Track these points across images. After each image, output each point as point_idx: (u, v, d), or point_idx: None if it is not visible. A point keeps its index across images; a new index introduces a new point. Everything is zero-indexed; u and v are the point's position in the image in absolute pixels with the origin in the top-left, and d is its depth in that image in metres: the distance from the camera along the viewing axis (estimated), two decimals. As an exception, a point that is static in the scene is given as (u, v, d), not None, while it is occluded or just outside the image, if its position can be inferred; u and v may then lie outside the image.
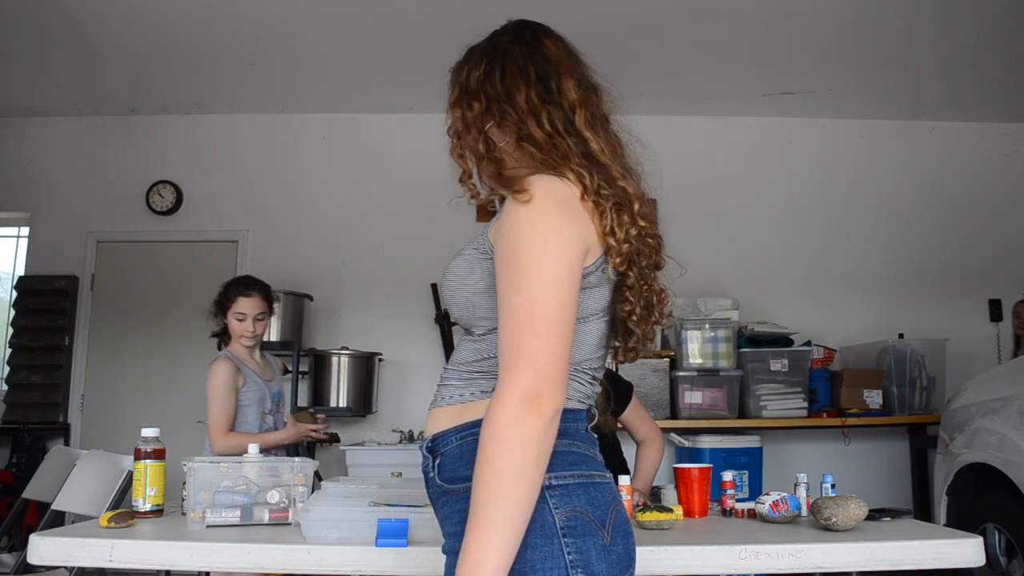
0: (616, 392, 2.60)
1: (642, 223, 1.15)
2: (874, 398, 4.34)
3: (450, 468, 1.07)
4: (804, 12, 3.81)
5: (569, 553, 0.99)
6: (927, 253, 4.95)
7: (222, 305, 2.76)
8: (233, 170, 5.04)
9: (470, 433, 1.05)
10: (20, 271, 5.06)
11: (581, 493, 1.04)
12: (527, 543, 0.97)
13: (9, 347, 4.87)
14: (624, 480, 2.04)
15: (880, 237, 4.97)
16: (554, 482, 1.02)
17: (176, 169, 5.03)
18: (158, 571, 2.23)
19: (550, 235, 1.02)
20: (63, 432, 4.75)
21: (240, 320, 2.71)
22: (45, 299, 4.86)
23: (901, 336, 4.50)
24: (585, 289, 1.06)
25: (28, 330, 4.85)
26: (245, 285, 2.77)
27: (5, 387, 4.85)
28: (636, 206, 1.15)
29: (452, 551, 1.05)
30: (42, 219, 5.05)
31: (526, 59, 1.16)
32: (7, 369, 4.86)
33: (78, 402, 4.84)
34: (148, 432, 1.96)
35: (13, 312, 4.88)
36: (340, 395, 4.36)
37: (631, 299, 1.12)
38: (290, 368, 4.47)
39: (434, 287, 4.67)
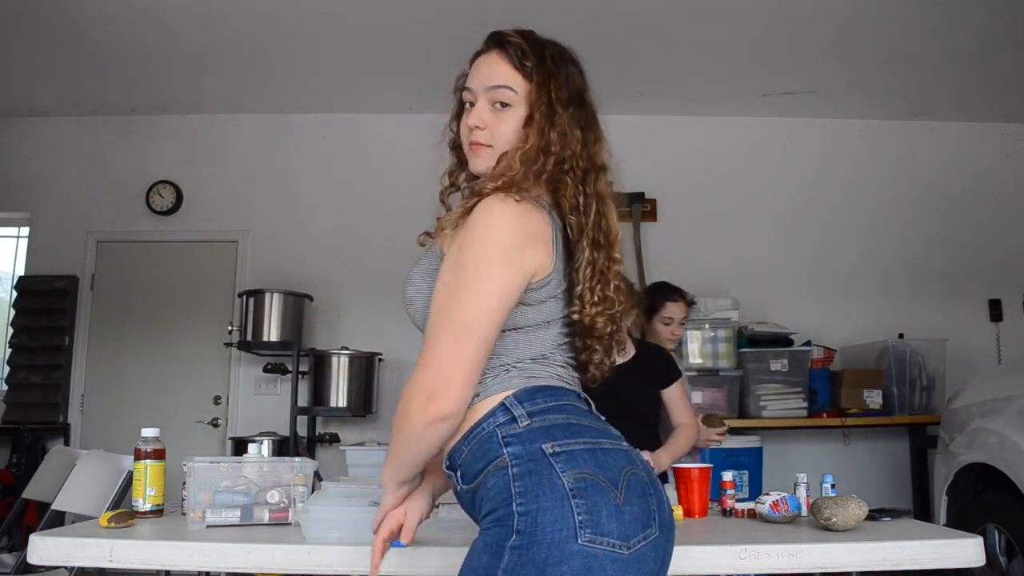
0: (653, 361, 2.67)
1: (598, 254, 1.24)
2: (874, 398, 4.34)
3: (467, 472, 1.16)
4: (804, 12, 3.81)
5: (579, 514, 1.02)
6: (927, 253, 4.95)
7: (648, 309, 2.94)
8: (233, 170, 5.04)
9: (473, 437, 1.15)
10: (20, 271, 5.06)
11: (588, 457, 1.09)
12: (539, 507, 1.03)
13: (9, 347, 4.87)
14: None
15: (880, 237, 4.97)
16: (557, 449, 1.08)
17: (176, 169, 5.03)
18: (158, 571, 2.23)
19: (501, 256, 1.12)
20: (63, 432, 4.75)
21: (667, 324, 2.92)
22: (45, 299, 4.86)
23: (901, 336, 4.50)
24: (538, 304, 1.18)
25: (28, 330, 4.85)
26: (671, 291, 2.98)
27: (5, 387, 4.85)
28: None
29: (484, 532, 1.12)
30: (42, 219, 5.05)
31: (591, 111, 1.36)
32: (7, 369, 4.86)
33: (78, 402, 4.84)
34: (148, 432, 1.96)
35: (13, 312, 4.88)
36: (340, 395, 4.36)
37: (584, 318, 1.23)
38: (290, 368, 4.48)
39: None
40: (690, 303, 3.05)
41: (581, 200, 1.22)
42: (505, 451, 1.10)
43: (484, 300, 1.10)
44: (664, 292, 3.00)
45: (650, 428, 2.68)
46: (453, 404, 1.09)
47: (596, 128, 1.34)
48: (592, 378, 1.27)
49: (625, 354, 2.64)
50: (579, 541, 1.01)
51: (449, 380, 1.09)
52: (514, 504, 1.05)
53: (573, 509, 1.03)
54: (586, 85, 1.35)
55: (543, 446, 1.09)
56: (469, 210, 1.16)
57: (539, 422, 1.12)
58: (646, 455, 2.44)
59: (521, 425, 1.12)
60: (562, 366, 1.23)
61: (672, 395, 2.68)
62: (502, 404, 1.14)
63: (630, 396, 2.47)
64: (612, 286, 1.23)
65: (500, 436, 1.12)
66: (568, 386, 1.21)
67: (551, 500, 1.03)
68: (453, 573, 1.56)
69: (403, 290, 1.25)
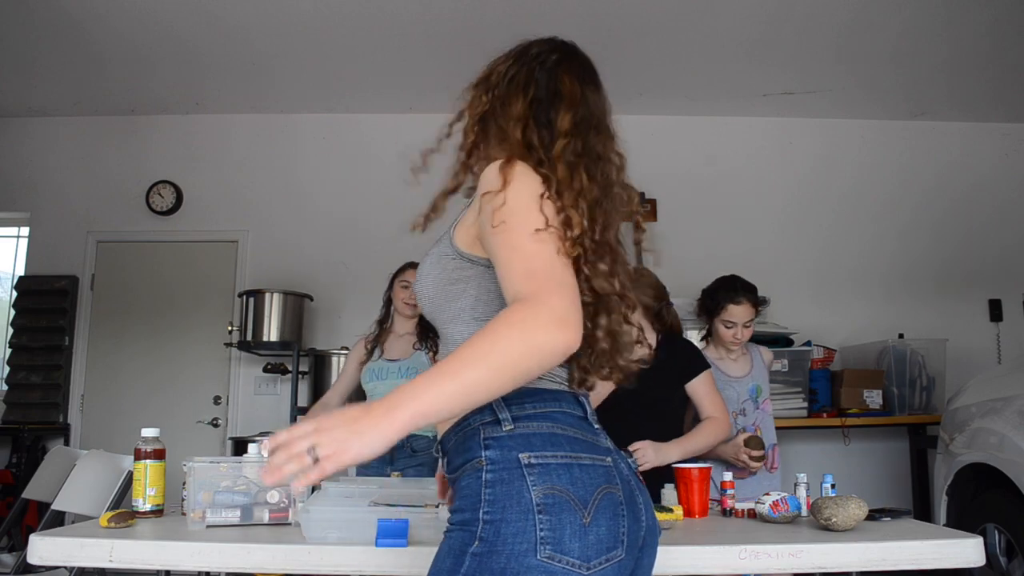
0: (675, 355, 2.55)
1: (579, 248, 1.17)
2: (874, 398, 4.34)
3: (451, 461, 1.15)
4: (804, 12, 3.81)
5: (541, 530, 1.02)
6: (927, 253, 4.95)
7: (709, 310, 2.79)
8: (233, 170, 5.04)
9: (461, 428, 1.13)
10: (20, 271, 5.06)
11: (563, 473, 1.06)
12: (504, 518, 1.02)
13: (9, 347, 4.87)
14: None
15: (880, 237, 4.97)
16: (533, 461, 1.06)
17: (176, 169, 5.03)
18: (158, 571, 2.23)
19: (539, 202, 1.10)
20: (63, 432, 4.75)
21: (728, 327, 2.70)
22: (45, 299, 4.86)
23: (901, 336, 4.50)
24: None
25: (28, 330, 4.85)
26: (735, 291, 2.72)
27: (5, 387, 4.85)
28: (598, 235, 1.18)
29: (449, 527, 1.10)
30: (42, 219, 5.05)
31: (536, 80, 1.26)
32: (7, 369, 4.86)
33: (78, 402, 4.84)
34: (148, 432, 1.96)
35: (13, 312, 4.89)
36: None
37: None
38: (290, 368, 4.48)
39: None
40: (758, 303, 2.79)
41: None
42: (483, 453, 1.08)
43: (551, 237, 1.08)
44: (726, 292, 2.74)
45: (677, 426, 2.53)
46: (578, 341, 1.01)
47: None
48: (619, 380, 1.23)
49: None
50: (538, 556, 1.01)
51: (578, 310, 1.03)
52: (481, 511, 1.04)
53: (536, 524, 1.02)
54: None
55: (520, 455, 1.07)
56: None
57: (522, 428, 1.09)
58: (643, 445, 2.36)
59: (503, 429, 1.09)
60: (562, 364, 1.16)
61: (698, 388, 2.52)
62: (489, 405, 1.10)
63: (654, 395, 2.42)
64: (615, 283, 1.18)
65: (482, 436, 1.10)
66: (564, 387, 1.18)
67: (516, 512, 1.03)
68: (453, 573, 1.57)
69: (416, 282, 1.25)
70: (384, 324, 3.13)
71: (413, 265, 3.07)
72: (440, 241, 1.23)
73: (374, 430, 0.94)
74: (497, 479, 1.05)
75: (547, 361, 1.00)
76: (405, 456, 2.87)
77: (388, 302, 3.16)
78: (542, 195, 1.10)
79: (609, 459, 1.13)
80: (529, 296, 1.00)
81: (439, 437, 1.19)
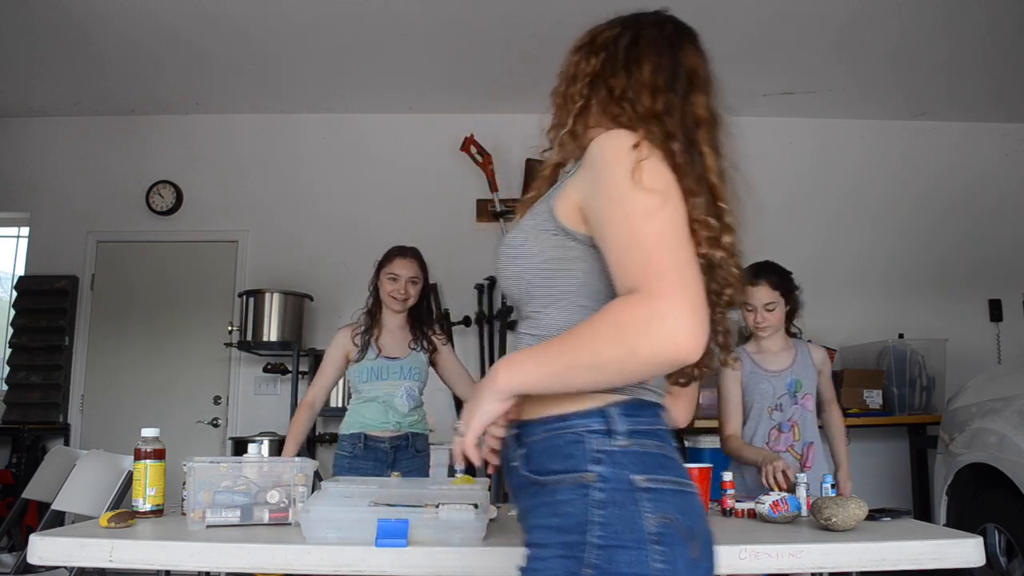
0: None
1: (719, 253, 1.09)
2: (874, 398, 4.34)
3: (537, 460, 1.03)
4: (804, 12, 3.81)
5: (656, 562, 0.94)
6: (927, 253, 4.95)
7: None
8: (233, 170, 5.04)
9: (555, 428, 1.02)
10: (20, 271, 5.06)
11: (675, 500, 0.98)
12: (620, 544, 0.94)
13: (9, 347, 4.87)
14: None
15: (880, 237, 4.97)
16: (649, 484, 0.97)
17: (176, 169, 5.03)
18: (158, 571, 2.23)
19: (668, 178, 0.99)
20: (63, 432, 4.75)
21: (749, 311, 2.65)
22: (45, 299, 4.86)
23: (901, 336, 4.50)
24: None
25: (28, 330, 4.85)
26: (752, 272, 2.61)
27: (5, 387, 4.85)
28: (726, 238, 1.10)
29: (536, 543, 1.01)
30: (42, 219, 5.05)
31: (661, 46, 1.15)
32: (7, 369, 4.86)
33: (78, 402, 4.84)
34: (148, 432, 1.96)
35: (13, 312, 4.89)
36: (341, 396, 4.37)
37: None
38: (290, 368, 4.48)
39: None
40: (783, 287, 2.67)
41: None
42: (592, 468, 0.97)
43: (679, 221, 0.97)
44: (744, 274, 2.74)
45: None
46: (700, 352, 0.91)
47: None
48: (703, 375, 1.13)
49: None
50: None
51: (705, 315, 0.92)
52: (590, 534, 0.95)
53: (651, 555, 0.94)
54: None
55: (634, 477, 0.97)
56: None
57: (636, 446, 0.99)
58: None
59: (616, 443, 0.99)
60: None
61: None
62: (602, 410, 1.00)
63: None
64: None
65: (590, 447, 0.99)
66: (663, 400, 1.07)
67: (631, 540, 0.94)
68: (453, 573, 1.57)
69: (501, 258, 1.11)
70: (376, 316, 2.87)
71: (403, 253, 2.88)
72: (535, 213, 1.10)
73: (483, 400, 1.01)
74: (610, 500, 0.96)
75: (660, 371, 0.93)
76: (408, 456, 2.79)
77: (375, 291, 2.90)
78: (665, 170, 0.99)
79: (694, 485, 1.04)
80: (649, 292, 0.90)
81: (517, 422, 1.07)
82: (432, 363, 2.88)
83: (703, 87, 1.14)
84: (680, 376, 1.10)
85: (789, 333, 2.77)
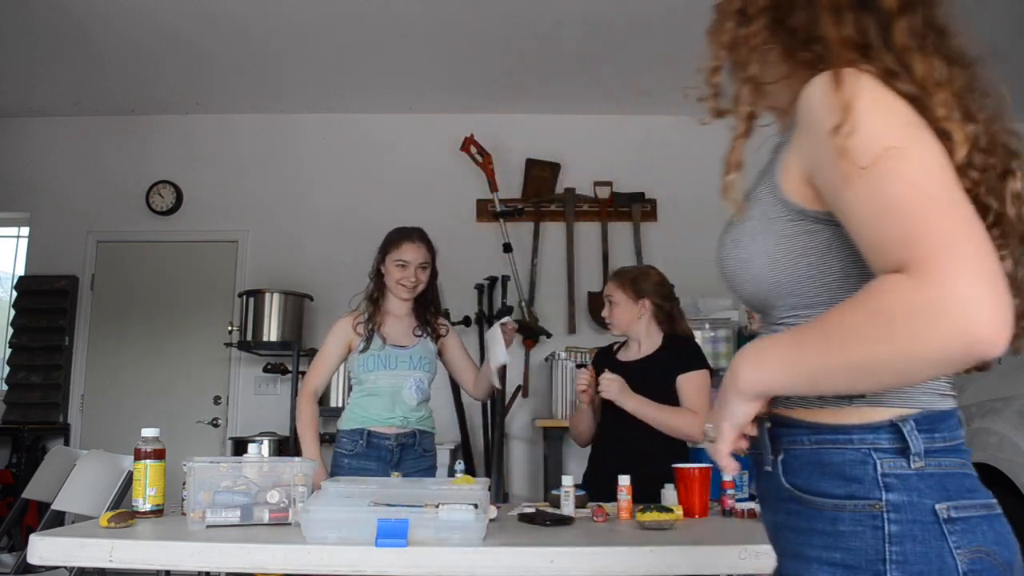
0: (677, 352, 2.52)
1: (974, 174, 0.82)
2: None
3: (804, 475, 0.87)
4: (804, 12, 3.81)
5: None
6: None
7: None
8: (233, 170, 5.04)
9: (830, 440, 0.85)
10: (20, 271, 5.06)
11: (986, 529, 0.82)
12: None
13: (9, 347, 4.87)
14: (624, 480, 2.04)
15: (880, 237, 4.96)
16: (954, 514, 0.81)
17: (176, 169, 5.03)
18: (158, 571, 2.23)
19: (905, 113, 0.77)
20: (63, 432, 4.75)
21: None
22: (45, 299, 4.86)
23: (901, 336, 4.49)
24: None
25: (28, 330, 4.85)
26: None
27: (5, 387, 4.85)
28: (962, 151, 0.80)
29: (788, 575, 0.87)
30: (42, 219, 5.05)
31: None
32: (7, 369, 4.86)
33: (78, 402, 4.84)
34: (148, 432, 1.96)
35: (13, 312, 4.88)
36: (340, 395, 4.37)
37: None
38: (290, 368, 4.48)
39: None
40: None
41: None
42: (883, 496, 0.81)
43: (940, 168, 0.73)
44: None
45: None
46: (1008, 338, 0.70)
47: None
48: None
49: (644, 347, 2.57)
50: None
51: (1004, 288, 0.69)
52: (888, 574, 0.80)
53: None
54: None
55: (937, 506, 0.80)
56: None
57: (934, 467, 0.82)
58: (614, 378, 2.39)
59: (912, 465, 0.82)
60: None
61: (686, 383, 2.47)
62: (893, 424, 0.83)
63: (656, 392, 2.43)
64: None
65: (879, 469, 0.82)
66: (957, 403, 0.88)
67: None
68: (453, 573, 1.57)
69: (729, 263, 0.94)
70: (377, 302, 2.66)
71: (410, 236, 2.66)
72: (756, 200, 0.92)
73: (729, 401, 0.86)
74: (906, 534, 0.80)
75: (951, 370, 0.75)
76: (415, 456, 2.57)
77: (379, 276, 2.70)
78: (898, 103, 0.78)
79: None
80: (921, 269, 0.69)
81: (777, 419, 0.90)
82: (438, 351, 2.70)
83: None
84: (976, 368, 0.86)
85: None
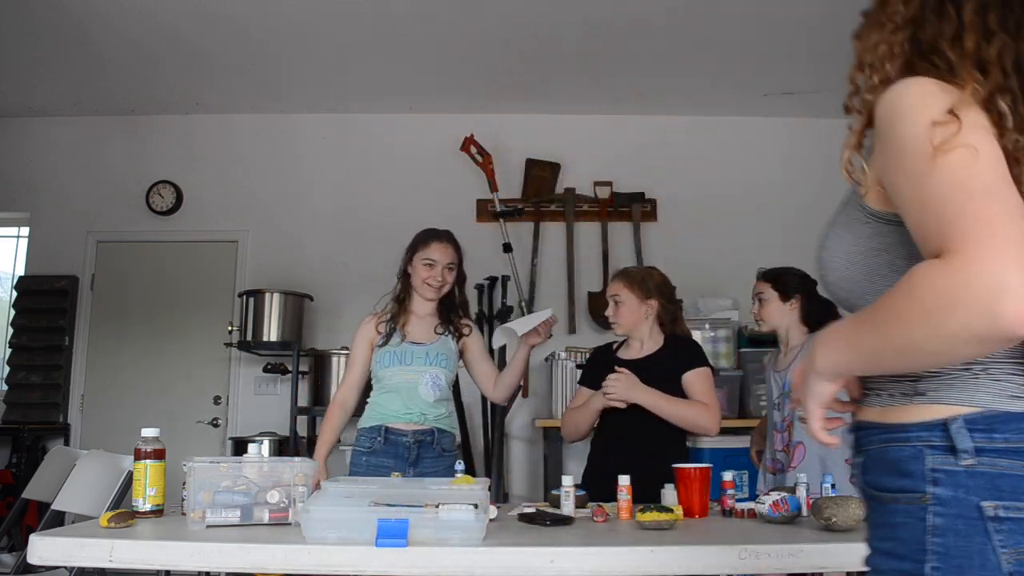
0: (678, 351, 2.54)
1: None
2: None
3: (873, 472, 0.93)
4: (804, 12, 3.81)
5: None
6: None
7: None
8: (233, 170, 5.04)
9: (895, 438, 0.90)
10: (20, 271, 5.06)
11: None
12: None
13: (9, 347, 4.87)
14: (624, 480, 2.04)
15: (880, 237, 4.96)
16: (1003, 514, 0.82)
17: (176, 169, 5.03)
18: (158, 571, 2.23)
19: (976, 120, 0.81)
20: (63, 432, 4.75)
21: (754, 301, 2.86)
22: (45, 299, 4.86)
23: (901, 336, 4.49)
24: None
25: (28, 330, 4.85)
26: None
27: (5, 387, 4.85)
28: None
29: (872, 568, 0.92)
30: (42, 219, 5.05)
31: None
32: (7, 369, 4.86)
33: (78, 402, 4.84)
34: (148, 432, 1.96)
35: (13, 312, 4.88)
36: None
37: None
38: (290, 368, 4.48)
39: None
40: (774, 279, 2.82)
41: None
42: (931, 490, 0.84)
43: (986, 155, 0.77)
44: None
45: (677, 429, 2.50)
46: None
47: None
48: None
49: (646, 347, 2.58)
50: None
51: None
52: (928, 564, 0.83)
53: None
54: None
55: (983, 503, 0.82)
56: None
57: (987, 466, 0.83)
58: (622, 374, 2.42)
59: (961, 463, 0.84)
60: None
61: (691, 381, 2.49)
62: (943, 424, 0.86)
63: (659, 391, 2.44)
64: None
65: (927, 464, 0.85)
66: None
67: None
68: (453, 573, 1.57)
69: (822, 263, 1.00)
70: (403, 302, 2.67)
71: (439, 237, 2.66)
72: (847, 204, 0.98)
73: (810, 382, 0.92)
74: (948, 527, 0.83)
75: (986, 350, 0.77)
76: (433, 456, 2.54)
77: (405, 277, 2.69)
78: (974, 111, 0.81)
79: None
80: (952, 252, 0.74)
81: (857, 422, 0.97)
82: (460, 351, 2.68)
83: None
84: None
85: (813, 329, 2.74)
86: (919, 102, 0.83)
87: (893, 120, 0.85)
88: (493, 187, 4.70)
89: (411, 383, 2.55)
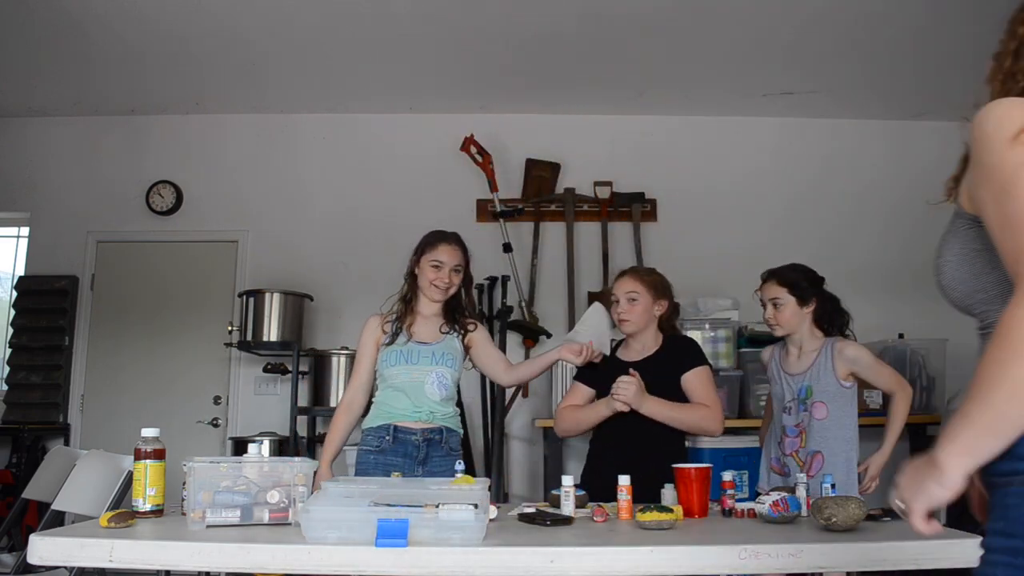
0: (676, 351, 2.55)
1: None
2: (874, 398, 4.34)
3: (994, 463, 0.94)
4: (804, 12, 3.81)
5: None
6: (926, 252, 4.89)
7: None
8: (233, 170, 5.04)
9: None
10: (20, 271, 5.06)
11: None
12: None
13: (9, 347, 4.87)
14: (624, 480, 2.04)
15: (880, 237, 4.96)
16: None
17: (176, 169, 5.03)
18: (158, 571, 2.23)
19: None
20: (63, 432, 4.75)
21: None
22: (45, 299, 4.86)
23: (901, 336, 4.49)
24: None
25: (28, 330, 4.85)
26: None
27: (5, 387, 4.85)
28: None
29: (986, 547, 0.96)
30: (42, 219, 5.05)
31: None
32: (7, 369, 4.86)
33: (78, 402, 4.84)
34: (148, 432, 1.96)
35: (13, 312, 4.89)
36: (340, 395, 4.36)
37: None
38: (290, 368, 4.48)
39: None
40: (790, 283, 2.72)
41: None
42: None
43: None
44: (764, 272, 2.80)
45: (676, 429, 2.50)
46: None
47: None
48: None
49: (647, 347, 2.59)
50: None
51: None
52: None
53: None
54: None
55: None
56: None
57: None
58: (631, 381, 2.39)
59: None
60: None
61: (691, 381, 2.50)
62: None
63: (658, 391, 2.44)
64: None
65: None
66: None
67: None
68: (453, 573, 1.57)
69: (935, 264, 1.08)
70: (410, 303, 2.67)
71: (447, 239, 2.66)
72: (956, 214, 1.06)
73: (929, 484, 0.94)
74: None
75: None
76: (441, 454, 2.55)
77: (412, 278, 2.69)
78: None
79: None
80: (1020, 274, 0.80)
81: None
82: (466, 348, 2.68)
83: None
84: None
85: (826, 333, 2.74)
86: (1002, 120, 0.88)
87: (979, 139, 0.91)
88: (493, 187, 4.70)
89: (417, 382, 2.55)
